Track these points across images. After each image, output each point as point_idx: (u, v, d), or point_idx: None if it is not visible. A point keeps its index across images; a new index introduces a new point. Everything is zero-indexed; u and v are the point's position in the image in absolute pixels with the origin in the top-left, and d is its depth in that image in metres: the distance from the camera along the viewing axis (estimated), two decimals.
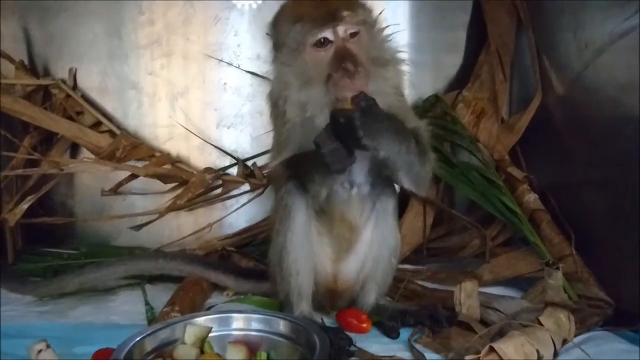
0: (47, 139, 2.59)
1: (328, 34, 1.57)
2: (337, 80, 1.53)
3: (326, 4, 1.58)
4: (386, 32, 1.70)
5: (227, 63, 2.61)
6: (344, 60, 1.53)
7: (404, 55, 1.71)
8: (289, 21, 1.62)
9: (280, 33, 1.65)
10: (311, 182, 1.63)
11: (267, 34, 1.69)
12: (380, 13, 1.70)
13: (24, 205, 2.34)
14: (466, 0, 2.63)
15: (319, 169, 1.56)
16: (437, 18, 2.64)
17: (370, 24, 1.64)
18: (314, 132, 1.49)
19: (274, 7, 1.73)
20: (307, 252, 1.70)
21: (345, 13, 1.56)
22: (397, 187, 1.82)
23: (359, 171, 1.70)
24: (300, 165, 1.64)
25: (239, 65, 2.61)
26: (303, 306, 1.71)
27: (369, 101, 1.46)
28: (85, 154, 2.56)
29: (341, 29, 1.57)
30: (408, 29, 2.63)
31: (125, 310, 1.97)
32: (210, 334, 1.43)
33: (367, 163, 1.70)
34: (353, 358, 1.56)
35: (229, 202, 2.62)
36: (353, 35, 1.59)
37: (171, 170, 2.54)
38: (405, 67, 1.72)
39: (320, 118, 1.57)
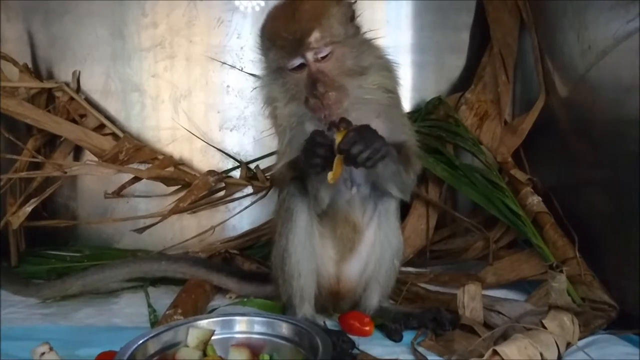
0: (51, 142, 2.60)
1: (299, 60, 1.57)
2: (313, 105, 1.56)
3: (294, 28, 1.54)
4: (364, 37, 1.67)
5: (230, 65, 2.61)
6: (315, 85, 1.54)
7: (387, 57, 1.70)
8: (266, 44, 1.64)
9: (262, 51, 1.68)
10: (310, 184, 1.64)
11: (256, 43, 1.70)
12: (358, 16, 1.67)
13: (28, 208, 2.34)
14: (469, 0, 2.62)
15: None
16: (440, 19, 2.63)
17: (343, 37, 1.59)
18: (305, 135, 1.56)
19: None
20: (310, 254, 1.71)
21: (312, 38, 1.53)
22: None
23: (358, 171, 1.70)
24: (300, 168, 1.64)
25: (242, 68, 2.61)
26: (306, 309, 1.71)
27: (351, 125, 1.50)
28: (88, 156, 2.55)
29: (310, 55, 1.55)
30: (411, 30, 2.63)
31: (128, 313, 1.98)
32: (213, 337, 1.43)
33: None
34: None
35: (231, 205, 2.63)
36: (325, 56, 1.57)
37: (174, 172, 2.54)
38: (389, 69, 1.69)
39: (307, 124, 1.63)
